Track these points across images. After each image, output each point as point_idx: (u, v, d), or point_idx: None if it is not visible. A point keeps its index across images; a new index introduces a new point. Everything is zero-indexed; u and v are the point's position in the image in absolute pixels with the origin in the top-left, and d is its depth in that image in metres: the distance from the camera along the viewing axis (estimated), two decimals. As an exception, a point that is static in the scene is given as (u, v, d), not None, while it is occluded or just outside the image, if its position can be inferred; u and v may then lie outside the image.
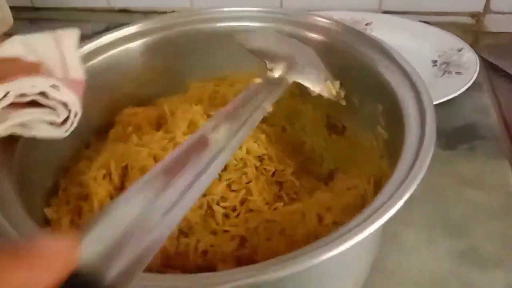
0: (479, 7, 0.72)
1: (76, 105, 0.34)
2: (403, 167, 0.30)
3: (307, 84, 0.39)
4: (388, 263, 0.41)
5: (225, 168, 0.37)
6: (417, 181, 0.29)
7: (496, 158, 0.51)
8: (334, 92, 0.40)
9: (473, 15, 0.73)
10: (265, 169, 0.39)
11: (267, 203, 0.36)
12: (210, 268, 0.33)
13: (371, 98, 0.42)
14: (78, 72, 0.37)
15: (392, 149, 0.36)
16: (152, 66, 0.50)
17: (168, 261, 0.33)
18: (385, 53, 0.41)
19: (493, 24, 0.73)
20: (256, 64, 0.50)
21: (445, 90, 0.56)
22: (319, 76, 0.40)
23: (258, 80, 0.37)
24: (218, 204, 0.36)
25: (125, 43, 0.48)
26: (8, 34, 0.70)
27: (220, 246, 0.33)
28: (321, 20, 0.47)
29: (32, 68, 0.34)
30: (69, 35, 0.39)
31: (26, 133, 0.33)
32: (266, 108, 0.33)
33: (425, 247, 0.43)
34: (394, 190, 0.28)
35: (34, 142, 0.35)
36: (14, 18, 0.74)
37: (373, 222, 0.26)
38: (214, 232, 0.35)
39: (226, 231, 0.35)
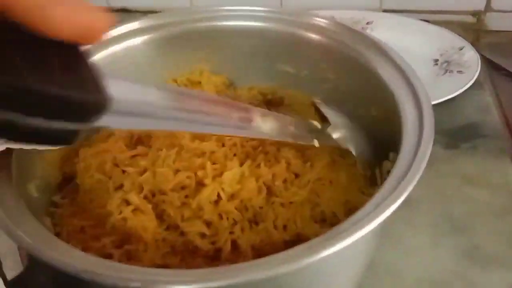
0: (480, 5, 0.72)
1: None
2: (401, 168, 0.30)
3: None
4: (391, 262, 0.41)
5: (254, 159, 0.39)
6: (414, 182, 0.28)
7: (498, 156, 0.50)
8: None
9: (474, 13, 0.73)
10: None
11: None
12: (297, 239, 0.34)
13: (368, 98, 0.42)
14: None
15: (389, 149, 0.36)
16: (151, 64, 0.50)
17: (259, 252, 0.34)
18: (383, 52, 0.41)
19: (494, 22, 0.73)
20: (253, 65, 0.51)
21: (446, 89, 0.56)
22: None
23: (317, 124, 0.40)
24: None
25: (125, 40, 0.48)
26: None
27: (296, 215, 0.35)
28: (319, 20, 0.47)
29: None
30: None
31: (25, 146, 0.33)
32: (313, 142, 0.36)
33: (428, 246, 0.43)
34: (392, 190, 0.28)
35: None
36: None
37: (369, 222, 0.26)
38: (283, 205, 0.36)
39: (291, 202, 0.36)
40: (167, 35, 0.50)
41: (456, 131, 0.54)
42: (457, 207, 0.46)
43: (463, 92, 0.56)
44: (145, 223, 0.35)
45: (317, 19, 0.47)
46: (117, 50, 0.48)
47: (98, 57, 0.46)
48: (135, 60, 0.49)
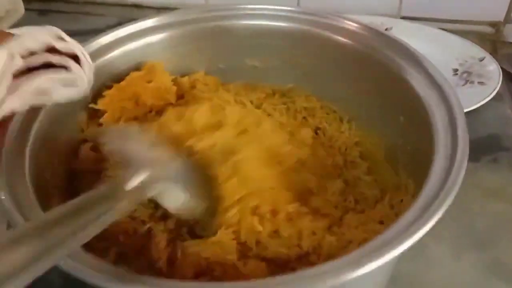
0: (499, 16, 0.72)
1: (87, 56, 0.32)
2: (433, 186, 0.29)
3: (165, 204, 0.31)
4: (413, 274, 0.41)
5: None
6: (449, 201, 0.28)
7: (520, 170, 0.50)
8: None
9: (493, 24, 0.73)
10: None
11: None
12: None
13: (396, 107, 0.41)
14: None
15: (418, 163, 0.35)
16: (167, 61, 0.49)
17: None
18: (415, 60, 0.40)
19: (513, 34, 0.72)
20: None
21: (468, 100, 0.56)
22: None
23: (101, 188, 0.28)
24: None
25: (142, 37, 0.47)
26: (17, 25, 0.68)
27: None
28: (348, 23, 0.46)
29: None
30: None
31: (46, 100, 0.31)
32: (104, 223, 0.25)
33: (451, 259, 0.42)
34: (423, 211, 0.27)
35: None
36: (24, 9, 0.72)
37: (398, 245, 0.25)
38: None
39: None
40: (183, 33, 0.49)
41: (477, 143, 0.53)
42: (479, 221, 0.45)
43: (483, 104, 0.55)
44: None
45: (346, 22, 0.46)
46: (134, 47, 0.47)
47: (115, 53, 0.46)
48: (152, 57, 0.48)
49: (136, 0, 0.86)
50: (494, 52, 0.70)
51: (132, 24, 0.47)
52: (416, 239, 0.26)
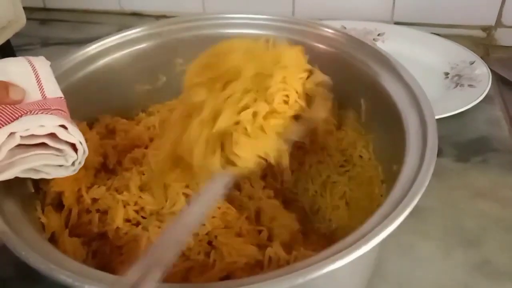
0: (490, 20, 0.73)
1: (83, 144, 0.34)
2: (403, 185, 0.30)
3: None
4: (402, 272, 0.42)
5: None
6: (415, 201, 0.29)
7: (509, 170, 0.51)
8: None
9: (485, 28, 0.74)
10: None
11: None
12: None
13: (373, 110, 0.43)
14: (55, 92, 0.36)
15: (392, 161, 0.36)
16: (158, 69, 0.50)
17: None
18: (390, 66, 0.41)
19: (504, 37, 0.73)
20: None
21: (457, 102, 0.57)
22: None
23: None
24: None
25: (132, 45, 0.49)
26: (19, 34, 0.70)
27: None
28: (328, 31, 0.47)
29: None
30: (42, 59, 0.38)
31: (33, 176, 0.33)
32: None
33: (439, 259, 0.43)
34: (392, 209, 0.28)
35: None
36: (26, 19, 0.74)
37: (369, 240, 0.27)
38: None
39: None
40: (174, 41, 0.50)
41: (467, 144, 0.54)
42: (468, 220, 0.46)
43: (473, 106, 0.57)
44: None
45: (326, 29, 0.47)
46: (124, 55, 0.48)
47: (104, 62, 0.47)
48: (143, 65, 0.49)
49: (135, 9, 0.88)
50: (486, 56, 0.71)
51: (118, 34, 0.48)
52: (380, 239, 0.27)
